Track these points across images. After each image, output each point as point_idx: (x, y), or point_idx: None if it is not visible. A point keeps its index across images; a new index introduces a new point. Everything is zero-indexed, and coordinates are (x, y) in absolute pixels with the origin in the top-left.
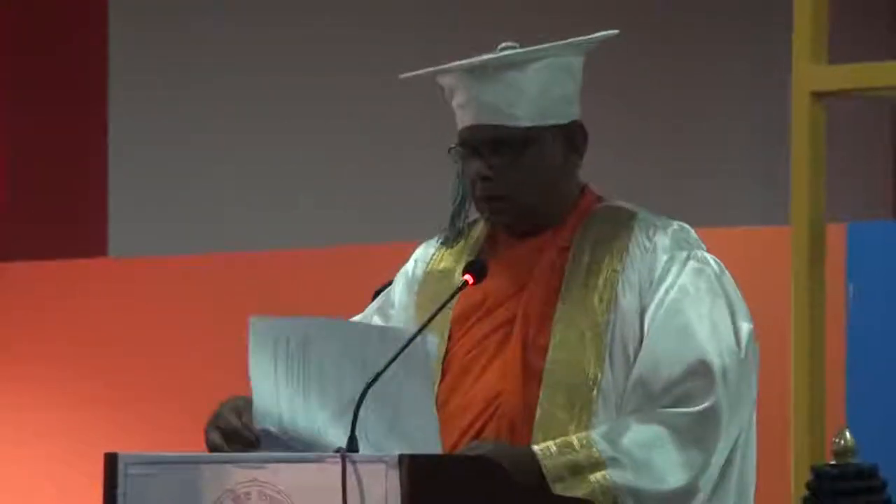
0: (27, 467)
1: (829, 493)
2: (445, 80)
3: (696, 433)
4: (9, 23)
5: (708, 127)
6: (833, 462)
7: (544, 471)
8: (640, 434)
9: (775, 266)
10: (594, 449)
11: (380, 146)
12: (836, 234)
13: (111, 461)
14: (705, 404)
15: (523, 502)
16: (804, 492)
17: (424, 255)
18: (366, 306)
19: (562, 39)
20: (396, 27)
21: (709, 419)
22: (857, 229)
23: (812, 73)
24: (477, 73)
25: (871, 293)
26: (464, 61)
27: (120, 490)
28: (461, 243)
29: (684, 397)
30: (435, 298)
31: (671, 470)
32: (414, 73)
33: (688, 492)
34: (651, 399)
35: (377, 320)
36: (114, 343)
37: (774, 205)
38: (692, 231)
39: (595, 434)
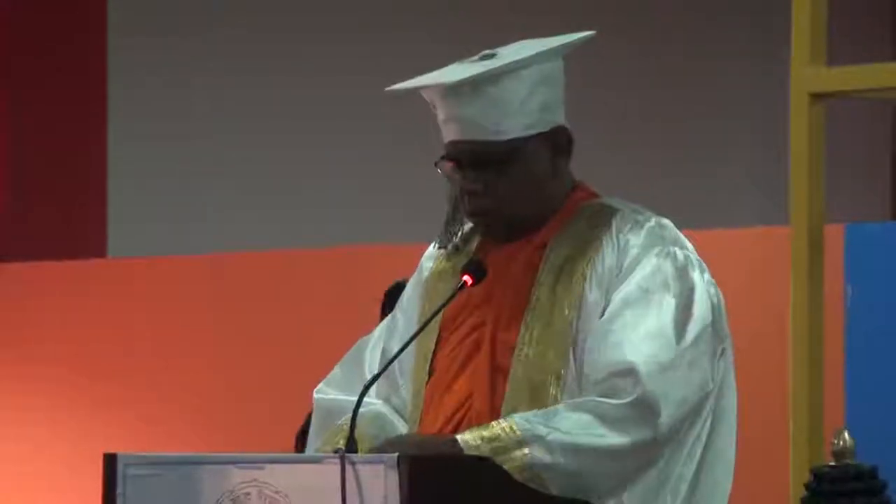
0: (27, 467)
1: (827, 493)
2: (426, 95)
3: (624, 421)
4: (9, 23)
5: (708, 127)
6: (832, 463)
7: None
8: (567, 419)
9: (774, 267)
10: (516, 430)
11: (380, 147)
12: (834, 235)
13: (110, 461)
14: (633, 396)
15: (523, 502)
16: (803, 492)
17: (431, 256)
18: (365, 306)
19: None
20: (397, 27)
21: (639, 408)
22: (856, 230)
23: (811, 74)
24: (452, 91)
25: (870, 294)
26: (439, 79)
27: (119, 490)
28: (459, 245)
29: (610, 392)
30: (431, 300)
31: (597, 452)
32: (395, 87)
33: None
34: (585, 392)
35: (392, 324)
36: (113, 343)
37: (774, 205)
38: (671, 227)
39: (518, 417)
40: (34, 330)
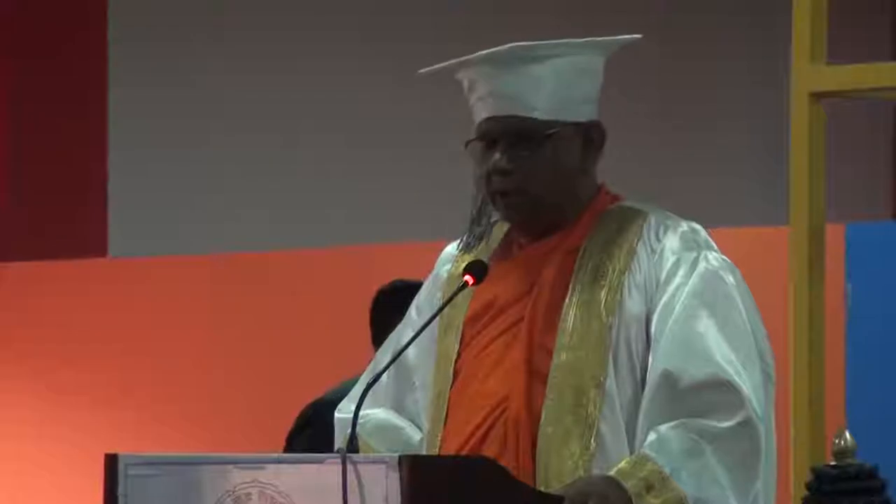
0: (27, 467)
1: (828, 493)
2: (465, 74)
3: (737, 449)
4: (9, 24)
5: (708, 127)
6: (833, 462)
7: (629, 490)
8: (685, 445)
9: (774, 266)
10: (657, 466)
11: (380, 146)
12: (835, 235)
13: (112, 462)
14: (737, 419)
15: (523, 502)
16: (804, 492)
17: (449, 256)
18: (365, 306)
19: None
20: (396, 27)
21: (746, 433)
22: (856, 229)
23: (811, 73)
24: (498, 63)
25: (871, 293)
26: (485, 51)
27: (120, 491)
28: (482, 245)
29: (710, 408)
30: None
31: (722, 480)
32: (433, 67)
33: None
34: (676, 395)
35: (406, 324)
36: (114, 343)
37: (774, 205)
38: (703, 232)
39: (650, 451)
40: (34, 330)
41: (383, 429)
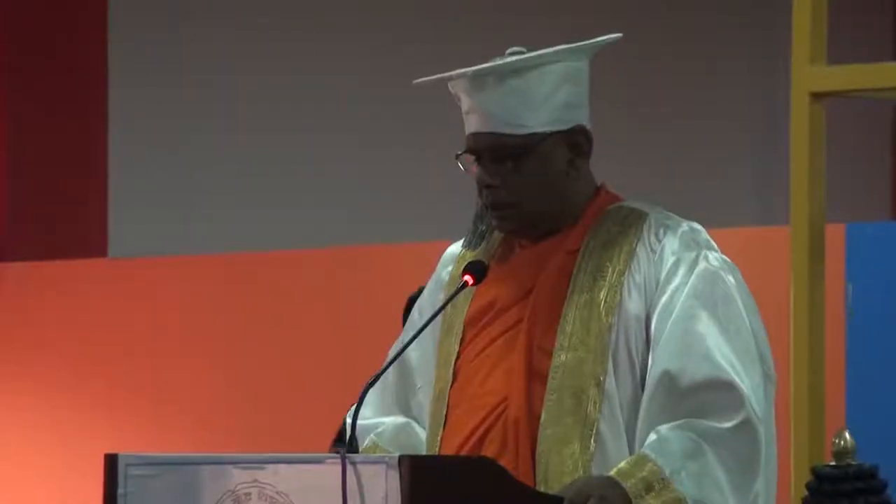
0: (27, 467)
1: (828, 493)
2: (452, 87)
3: (737, 450)
4: (9, 23)
5: (708, 127)
6: (833, 463)
7: (628, 490)
8: (686, 446)
9: (774, 266)
10: (657, 466)
11: (380, 147)
12: (835, 235)
13: (112, 462)
14: (737, 419)
15: (523, 502)
16: (804, 492)
17: (451, 257)
18: (365, 307)
19: (563, 41)
20: (395, 28)
21: (746, 434)
22: (856, 230)
23: (811, 73)
24: (479, 80)
25: (870, 294)
26: (467, 69)
27: (120, 491)
28: (483, 246)
29: (710, 409)
30: (454, 302)
31: (723, 485)
32: (424, 79)
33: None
34: (676, 396)
35: (409, 328)
36: (114, 343)
37: (774, 205)
38: (703, 232)
39: (650, 452)
40: (34, 330)
41: (399, 439)
